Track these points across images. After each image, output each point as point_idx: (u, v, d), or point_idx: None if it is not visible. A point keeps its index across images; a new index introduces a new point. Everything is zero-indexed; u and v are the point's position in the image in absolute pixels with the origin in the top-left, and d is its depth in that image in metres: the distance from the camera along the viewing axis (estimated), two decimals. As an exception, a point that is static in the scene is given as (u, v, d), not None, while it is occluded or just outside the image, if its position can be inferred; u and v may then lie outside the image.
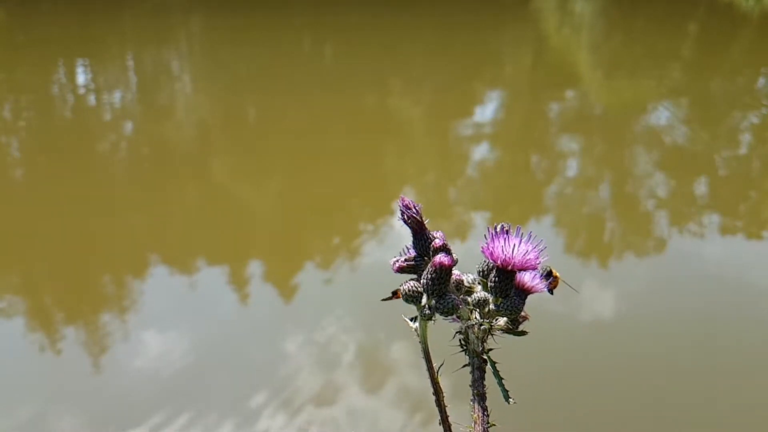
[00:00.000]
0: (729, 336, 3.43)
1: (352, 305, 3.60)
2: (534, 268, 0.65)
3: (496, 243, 0.64)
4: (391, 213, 4.73)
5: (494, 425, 0.63)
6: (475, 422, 0.63)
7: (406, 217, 0.66)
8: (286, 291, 3.89)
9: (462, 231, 4.65)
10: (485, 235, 0.66)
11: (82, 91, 7.67)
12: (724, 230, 4.78)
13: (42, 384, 3.02)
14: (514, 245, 0.64)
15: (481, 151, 6.40)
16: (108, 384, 3.02)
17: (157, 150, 6.05)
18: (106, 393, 2.96)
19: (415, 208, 0.67)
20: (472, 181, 5.73)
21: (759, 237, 4.71)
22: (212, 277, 3.95)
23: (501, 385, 0.70)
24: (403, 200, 0.66)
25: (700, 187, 5.61)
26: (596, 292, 3.81)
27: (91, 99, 7.48)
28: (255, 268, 4.07)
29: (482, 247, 0.66)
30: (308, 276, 3.99)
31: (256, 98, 7.47)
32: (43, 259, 4.13)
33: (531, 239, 0.66)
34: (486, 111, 7.69)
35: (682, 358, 3.24)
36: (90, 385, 3.01)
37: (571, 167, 6.03)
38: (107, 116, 6.93)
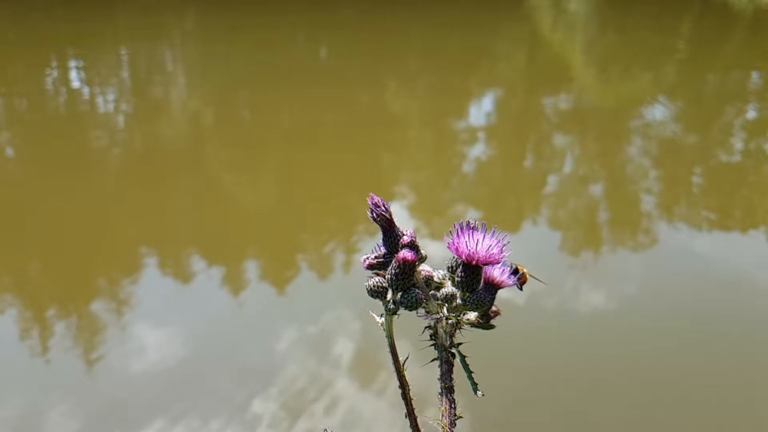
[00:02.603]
0: (724, 334, 3.44)
1: (348, 302, 3.61)
2: (497, 262, 0.66)
3: (461, 239, 0.66)
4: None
5: (461, 417, 0.65)
6: (443, 414, 0.65)
7: (375, 215, 0.68)
8: (282, 288, 3.90)
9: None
10: (450, 231, 0.68)
11: (75, 88, 7.65)
12: (719, 226, 4.81)
13: (35, 383, 3.02)
14: (478, 240, 0.65)
15: (475, 148, 6.41)
16: (102, 382, 3.02)
17: (152, 147, 6.04)
18: (100, 391, 2.96)
19: (384, 206, 0.68)
20: (466, 178, 5.74)
21: (753, 233, 4.74)
22: (207, 274, 3.96)
23: (470, 378, 0.71)
24: (372, 198, 0.67)
25: (694, 183, 5.64)
26: (589, 288, 3.82)
27: (85, 96, 7.46)
28: (250, 265, 4.08)
29: (448, 243, 0.67)
30: (304, 273, 4.00)
31: (250, 95, 7.46)
32: (36, 258, 4.13)
33: (495, 234, 0.67)
34: (481, 108, 7.70)
35: (676, 355, 3.26)
36: (83, 384, 3.02)
37: (566, 164, 6.06)
38: (101, 113, 6.92)
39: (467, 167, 5.97)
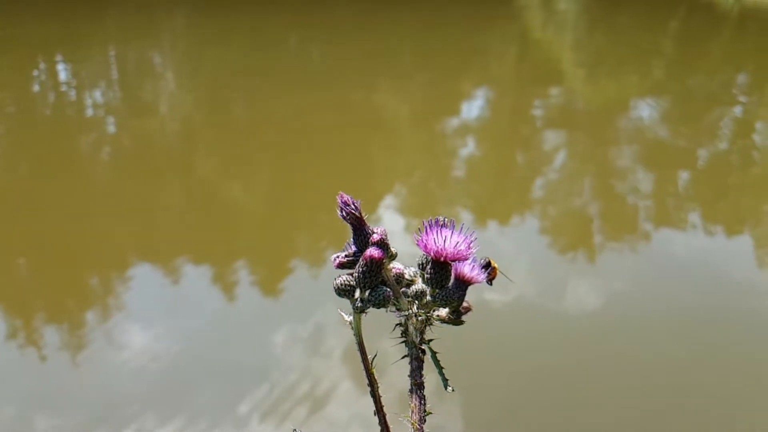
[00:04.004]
0: (712, 332, 3.45)
1: (340, 303, 3.60)
2: (465, 259, 0.67)
3: (430, 236, 0.66)
4: (379, 210, 4.75)
5: (430, 413, 0.65)
6: (412, 411, 0.65)
7: (345, 213, 0.68)
8: (274, 289, 3.89)
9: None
10: (419, 229, 0.68)
11: (63, 89, 7.59)
12: (708, 225, 4.84)
13: (25, 386, 3.00)
14: (446, 237, 0.65)
15: (468, 148, 6.44)
16: (92, 385, 3.00)
17: (141, 148, 6.01)
18: (90, 394, 2.94)
19: (354, 204, 0.68)
20: (458, 177, 5.76)
21: (741, 232, 4.77)
22: (198, 276, 3.94)
23: (441, 374, 0.71)
24: (341, 197, 0.67)
25: (683, 182, 5.67)
26: (583, 287, 3.83)
27: (73, 97, 7.40)
28: (241, 266, 4.06)
29: (417, 240, 0.67)
30: (296, 274, 3.99)
31: (241, 96, 7.44)
32: (26, 259, 4.09)
33: (463, 231, 0.67)
34: (472, 108, 7.73)
35: (665, 354, 3.26)
36: (73, 387, 3.00)
37: (556, 163, 6.09)
38: (90, 115, 6.87)
39: (460, 167, 5.98)
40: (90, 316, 3.49)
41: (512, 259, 4.13)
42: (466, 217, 4.92)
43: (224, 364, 3.14)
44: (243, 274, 3.97)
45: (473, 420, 2.75)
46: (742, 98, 8.22)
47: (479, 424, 2.75)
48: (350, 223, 0.69)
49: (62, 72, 8.24)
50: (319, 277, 3.93)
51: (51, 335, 3.32)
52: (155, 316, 3.53)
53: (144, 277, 3.90)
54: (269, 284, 3.92)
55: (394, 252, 0.69)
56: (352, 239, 0.70)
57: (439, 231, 0.66)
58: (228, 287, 3.86)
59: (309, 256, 4.20)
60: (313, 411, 2.81)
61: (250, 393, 2.88)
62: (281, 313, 3.61)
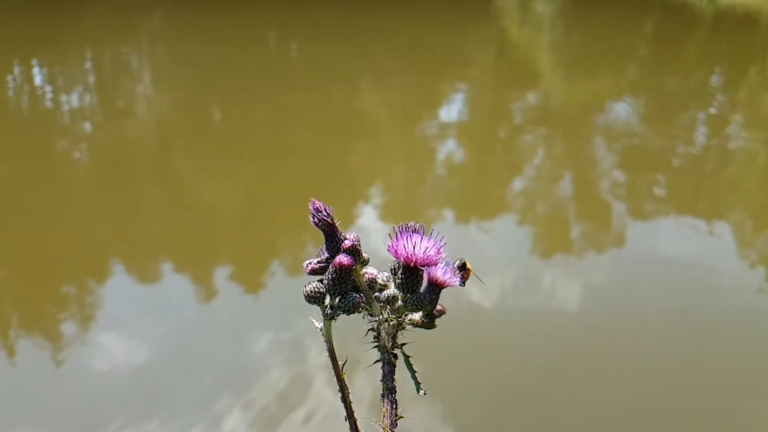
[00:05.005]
0: (701, 331, 3.48)
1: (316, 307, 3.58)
2: (435, 263, 0.67)
3: (400, 241, 0.67)
4: (360, 211, 4.75)
5: (402, 417, 0.66)
6: (384, 415, 0.66)
7: (317, 219, 0.68)
8: (254, 292, 3.87)
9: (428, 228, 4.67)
10: (390, 234, 0.69)
11: (39, 92, 7.45)
12: (693, 224, 4.89)
13: (2, 391, 2.94)
14: (416, 243, 0.66)
15: (447, 148, 6.47)
16: (70, 390, 2.96)
17: (120, 151, 5.92)
18: (70, 402, 2.89)
19: (325, 210, 0.68)
20: (438, 178, 5.78)
21: (717, 230, 4.84)
22: (178, 279, 3.91)
23: (414, 378, 0.72)
24: (313, 203, 0.68)
25: (664, 181, 5.74)
26: (566, 287, 3.84)
27: (49, 100, 7.27)
28: (221, 268, 4.03)
29: (388, 246, 0.68)
30: (275, 276, 3.98)
31: (221, 97, 7.38)
32: (1, 263, 4.01)
33: (432, 236, 0.68)
34: (452, 109, 7.77)
35: (655, 354, 3.27)
36: (53, 394, 2.95)
37: (534, 164, 6.14)
38: (66, 117, 6.75)
39: (441, 167, 6.01)
40: (68, 322, 3.44)
41: (497, 259, 4.15)
42: (448, 216, 4.95)
43: (205, 369, 3.11)
44: (223, 277, 3.95)
45: (460, 422, 2.76)
46: (718, 97, 8.40)
47: (468, 426, 2.75)
48: (322, 230, 0.70)
49: (38, 74, 8.09)
50: (300, 280, 3.91)
51: (26, 340, 3.26)
52: (134, 321, 3.48)
53: (123, 281, 3.85)
54: (249, 287, 3.90)
55: (366, 257, 0.70)
56: (324, 245, 0.71)
57: (409, 236, 0.67)
58: (207, 290, 3.83)
59: (289, 259, 4.19)
60: (292, 413, 2.80)
61: (231, 399, 2.86)
62: (261, 315, 3.59)
